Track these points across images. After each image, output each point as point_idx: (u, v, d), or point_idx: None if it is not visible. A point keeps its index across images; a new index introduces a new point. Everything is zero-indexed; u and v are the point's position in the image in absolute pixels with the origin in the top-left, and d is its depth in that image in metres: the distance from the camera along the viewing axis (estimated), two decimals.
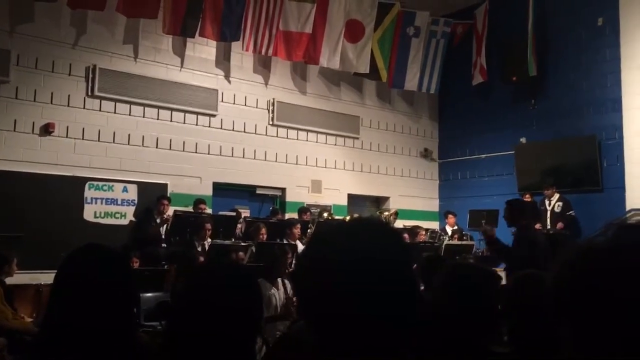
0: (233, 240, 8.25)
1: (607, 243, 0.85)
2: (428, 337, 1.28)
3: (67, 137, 8.54)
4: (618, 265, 0.81)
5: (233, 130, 10.11)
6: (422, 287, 4.46)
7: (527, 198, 10.29)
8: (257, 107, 10.43)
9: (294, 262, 6.58)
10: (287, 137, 10.75)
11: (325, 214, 10.13)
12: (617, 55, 9.83)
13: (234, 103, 10.17)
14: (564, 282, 0.86)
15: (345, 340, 0.96)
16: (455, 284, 2.04)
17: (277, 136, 10.63)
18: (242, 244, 7.95)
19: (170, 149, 9.44)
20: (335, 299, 0.96)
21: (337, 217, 9.94)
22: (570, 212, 9.76)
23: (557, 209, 9.85)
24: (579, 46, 10.41)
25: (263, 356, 2.30)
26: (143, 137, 9.20)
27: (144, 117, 9.24)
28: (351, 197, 11.52)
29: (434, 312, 1.99)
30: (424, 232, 10.17)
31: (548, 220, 9.83)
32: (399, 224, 10.34)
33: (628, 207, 9.30)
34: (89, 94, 8.77)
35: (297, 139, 10.89)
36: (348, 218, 9.40)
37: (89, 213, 8.58)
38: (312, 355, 1.02)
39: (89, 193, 8.60)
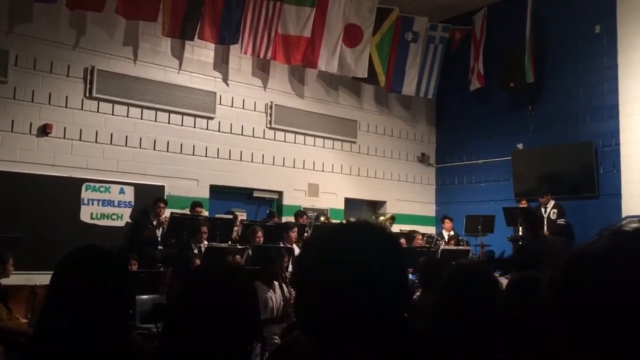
0: (229, 243, 8.24)
1: (602, 250, 0.82)
2: (425, 343, 1.28)
3: (64, 138, 8.52)
4: (613, 272, 0.79)
5: (231, 133, 10.11)
6: (421, 291, 4.47)
7: (523, 204, 10.32)
8: (255, 110, 10.43)
9: (290, 265, 6.59)
10: (284, 141, 10.75)
11: (322, 218, 10.15)
12: (615, 62, 9.87)
13: (231, 106, 10.17)
14: (556, 289, 0.84)
15: (340, 341, 0.96)
16: (457, 289, 2.02)
17: (274, 139, 10.63)
18: (239, 247, 7.94)
19: (167, 151, 9.43)
20: (331, 301, 0.97)
21: (334, 221, 9.95)
22: (562, 220, 9.74)
23: (552, 216, 9.87)
24: (577, 53, 10.45)
25: None
26: (140, 138, 9.19)
27: (141, 119, 9.23)
28: (348, 201, 11.52)
29: (434, 317, 1.98)
30: (420, 237, 10.17)
31: (545, 227, 9.84)
32: (396, 228, 10.34)
33: (624, 214, 9.31)
34: (87, 95, 8.76)
35: (295, 143, 10.88)
36: (345, 222, 9.42)
37: (86, 214, 8.56)
38: None
39: (85, 194, 8.59)
